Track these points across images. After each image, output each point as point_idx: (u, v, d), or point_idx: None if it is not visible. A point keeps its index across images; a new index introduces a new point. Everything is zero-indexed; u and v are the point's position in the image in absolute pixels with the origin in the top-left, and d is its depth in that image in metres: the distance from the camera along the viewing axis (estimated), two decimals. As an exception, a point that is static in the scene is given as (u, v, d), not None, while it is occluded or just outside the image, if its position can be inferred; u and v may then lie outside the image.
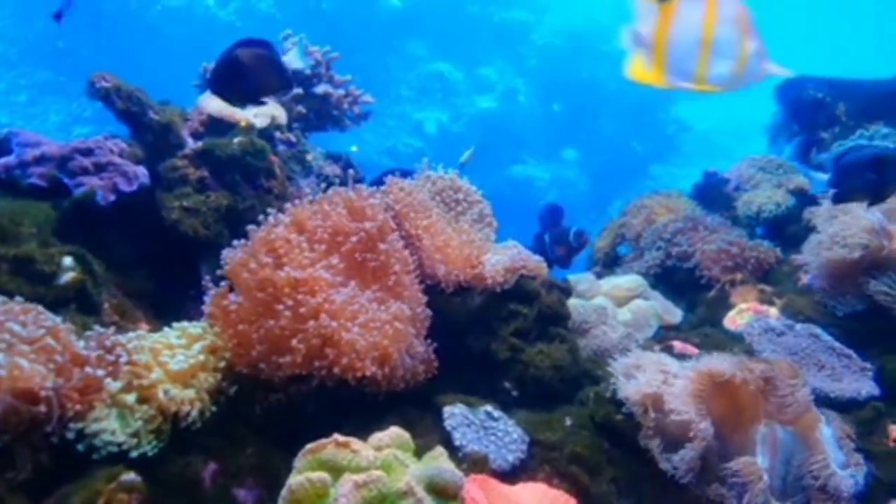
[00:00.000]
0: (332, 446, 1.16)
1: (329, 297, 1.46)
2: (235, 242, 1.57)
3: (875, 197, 1.60)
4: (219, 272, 1.55)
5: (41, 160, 1.82)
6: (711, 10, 1.24)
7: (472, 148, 3.84)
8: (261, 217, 1.61)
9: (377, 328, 1.50)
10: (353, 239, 1.61)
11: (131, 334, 1.42)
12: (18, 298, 1.27)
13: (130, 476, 1.16)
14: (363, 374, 1.44)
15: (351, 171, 2.58)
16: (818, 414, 1.57)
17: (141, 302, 1.79)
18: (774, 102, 3.69)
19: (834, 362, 1.94)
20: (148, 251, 1.89)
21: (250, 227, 1.58)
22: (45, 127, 8.99)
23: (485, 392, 1.72)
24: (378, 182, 2.01)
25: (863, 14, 18.32)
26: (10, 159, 1.80)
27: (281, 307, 1.43)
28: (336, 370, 1.42)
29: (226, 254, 1.55)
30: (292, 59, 1.80)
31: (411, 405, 1.59)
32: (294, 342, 1.40)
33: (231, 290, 1.53)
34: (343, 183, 2.05)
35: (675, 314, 2.47)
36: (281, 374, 1.44)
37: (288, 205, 1.67)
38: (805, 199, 2.86)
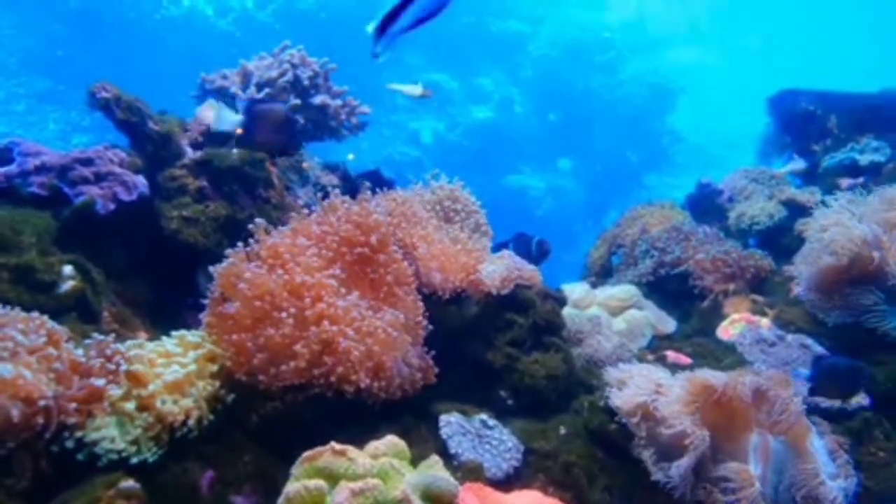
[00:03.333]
0: (329, 454, 1.17)
1: (333, 303, 1.48)
2: (229, 251, 1.58)
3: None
4: (212, 284, 1.56)
5: (42, 169, 1.83)
6: None
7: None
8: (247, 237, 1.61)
9: (372, 335, 1.51)
10: (357, 250, 1.63)
11: (130, 342, 1.43)
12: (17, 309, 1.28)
13: (129, 483, 1.17)
14: (358, 387, 1.45)
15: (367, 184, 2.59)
16: (809, 424, 1.59)
17: (140, 310, 1.80)
18: (766, 114, 3.75)
19: (824, 372, 1.96)
20: (147, 260, 1.90)
21: (229, 254, 1.57)
22: (44, 135, 9.01)
23: (480, 400, 1.74)
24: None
25: (859, 25, 18.54)
26: (12, 168, 1.81)
27: (283, 315, 1.44)
28: (332, 379, 1.43)
29: (218, 267, 1.56)
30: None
31: (407, 413, 1.60)
32: (298, 347, 1.42)
33: (226, 299, 1.54)
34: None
35: (668, 324, 2.49)
36: (280, 382, 1.45)
37: (293, 214, 1.70)
38: (797, 210, 2.90)
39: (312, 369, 1.43)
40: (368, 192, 1.78)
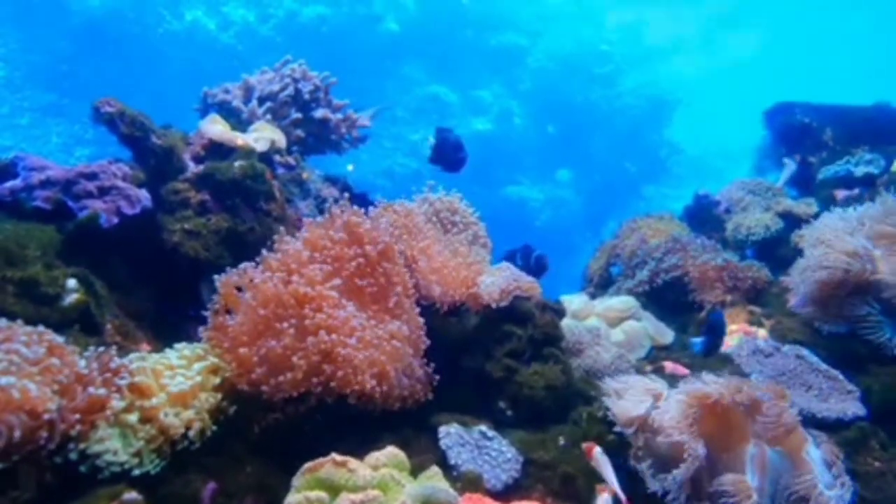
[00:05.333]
0: (330, 465, 1.19)
1: (332, 314, 1.50)
2: (244, 265, 1.61)
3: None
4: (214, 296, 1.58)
5: (46, 184, 1.86)
6: None
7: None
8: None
9: (377, 347, 1.53)
10: (353, 265, 1.65)
11: (134, 355, 1.45)
12: (19, 321, 1.30)
13: (132, 495, 1.18)
14: (362, 389, 1.46)
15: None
16: (805, 434, 1.60)
17: (142, 323, 1.81)
18: (763, 126, 3.80)
19: (821, 383, 1.97)
20: (149, 273, 1.92)
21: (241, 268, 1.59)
22: (47, 149, 9.08)
23: (479, 411, 1.75)
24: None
25: (854, 39, 18.71)
26: (17, 183, 1.83)
27: (285, 325, 1.46)
28: (332, 385, 1.45)
29: (220, 278, 1.58)
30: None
31: (407, 424, 1.62)
32: (295, 359, 1.44)
33: (228, 311, 1.56)
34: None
35: (666, 335, 2.51)
36: (280, 393, 1.46)
37: (307, 222, 1.73)
38: (793, 221, 2.93)
39: (311, 378, 1.45)
40: (348, 204, 1.78)
